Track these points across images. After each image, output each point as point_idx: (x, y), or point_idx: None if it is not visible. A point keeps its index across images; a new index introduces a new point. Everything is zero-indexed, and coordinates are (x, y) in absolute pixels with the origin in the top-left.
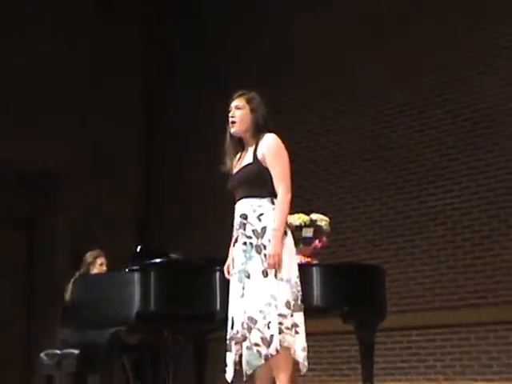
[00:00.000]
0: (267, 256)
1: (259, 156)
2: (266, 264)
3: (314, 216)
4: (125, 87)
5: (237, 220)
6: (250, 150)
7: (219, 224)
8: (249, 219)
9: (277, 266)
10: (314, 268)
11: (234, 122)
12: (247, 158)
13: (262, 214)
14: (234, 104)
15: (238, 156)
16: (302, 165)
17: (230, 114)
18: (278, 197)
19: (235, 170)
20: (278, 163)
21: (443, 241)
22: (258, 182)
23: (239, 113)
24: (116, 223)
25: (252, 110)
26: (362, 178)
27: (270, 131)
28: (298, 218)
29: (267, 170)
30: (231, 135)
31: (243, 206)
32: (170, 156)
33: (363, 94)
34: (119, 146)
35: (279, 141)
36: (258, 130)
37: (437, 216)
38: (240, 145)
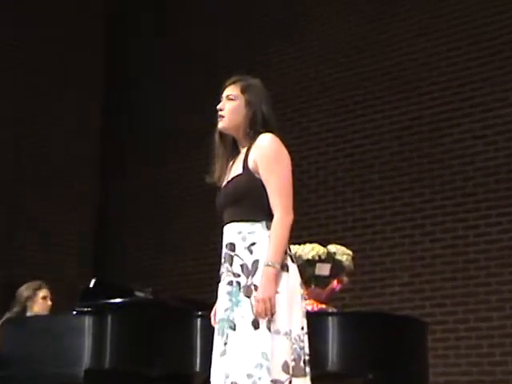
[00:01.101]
0: (254, 300)
1: (250, 164)
2: None
3: (333, 247)
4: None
5: (223, 251)
6: (241, 155)
7: (207, 248)
8: (237, 251)
9: (268, 313)
10: (330, 317)
11: (221, 117)
12: (237, 166)
13: (253, 244)
14: (225, 93)
15: (230, 163)
16: (316, 177)
17: (218, 106)
18: (274, 219)
19: (224, 183)
20: (274, 173)
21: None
22: (249, 200)
23: (230, 105)
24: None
25: (248, 102)
26: (398, 197)
27: (269, 131)
28: (310, 250)
29: (261, 182)
30: (220, 134)
31: (230, 234)
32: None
33: None
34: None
35: (277, 142)
36: (253, 130)
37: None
38: (234, 148)
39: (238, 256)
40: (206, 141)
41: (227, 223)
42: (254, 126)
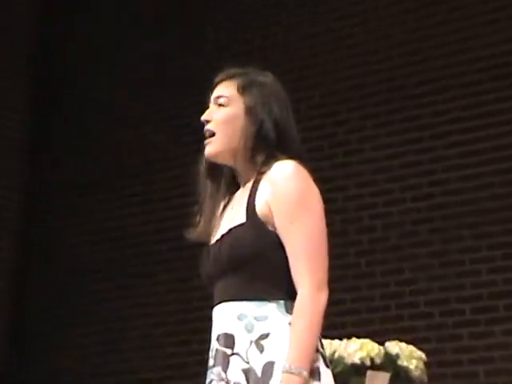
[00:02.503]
0: None
1: (259, 209)
2: None
3: (395, 346)
4: None
5: (213, 346)
6: (244, 192)
7: None
8: (237, 347)
9: None
10: None
11: (209, 135)
12: (236, 212)
13: (265, 337)
14: (213, 94)
15: (222, 205)
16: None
17: (203, 117)
18: (299, 298)
19: (215, 238)
20: (299, 225)
21: None
22: (257, 266)
23: (221, 114)
24: None
25: (249, 109)
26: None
27: (289, 157)
28: (358, 349)
29: (276, 238)
30: (209, 164)
31: (225, 319)
32: None
33: None
34: None
35: (303, 175)
36: (260, 153)
37: None
38: (231, 184)
39: (238, 356)
40: None
41: (220, 302)
42: (263, 147)
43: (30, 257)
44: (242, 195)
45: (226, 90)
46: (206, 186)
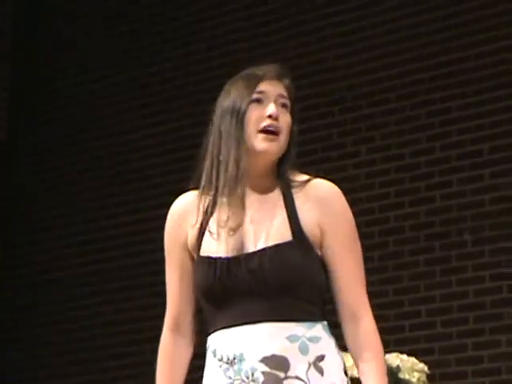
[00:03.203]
0: None
1: (309, 229)
2: None
3: (395, 359)
4: None
5: (252, 369)
6: (267, 204)
7: None
8: (293, 370)
9: None
10: None
11: (276, 133)
12: (266, 223)
13: (321, 359)
14: (275, 90)
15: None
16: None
17: (273, 112)
18: (369, 328)
19: (227, 248)
20: (354, 254)
21: None
22: (306, 289)
23: (286, 118)
24: None
25: (293, 122)
26: None
27: (305, 173)
28: (410, 371)
29: (320, 261)
30: (248, 153)
31: (272, 340)
32: None
33: None
34: None
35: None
36: (288, 166)
37: None
38: None
39: (298, 379)
40: None
41: (257, 322)
42: (292, 161)
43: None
44: (262, 206)
45: (287, 92)
46: (242, 182)
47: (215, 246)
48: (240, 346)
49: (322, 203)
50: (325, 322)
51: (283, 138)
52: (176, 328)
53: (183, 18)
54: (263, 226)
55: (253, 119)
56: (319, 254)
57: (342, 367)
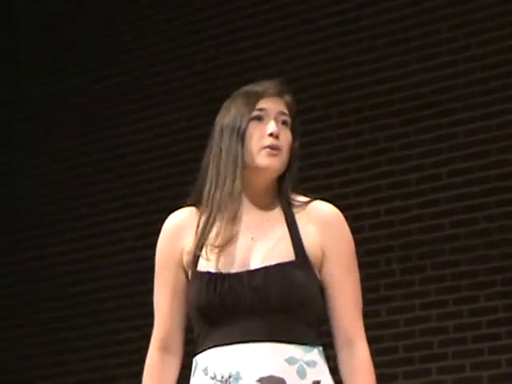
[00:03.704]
0: None
1: (311, 250)
2: None
3: None
4: None
5: None
6: (269, 223)
7: None
8: None
9: None
10: None
11: (277, 148)
12: (268, 242)
13: None
14: (275, 107)
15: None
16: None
17: (274, 130)
18: (362, 354)
19: (224, 265)
20: (354, 278)
21: None
22: (306, 311)
23: (287, 136)
24: None
25: (294, 140)
26: None
27: (304, 195)
28: None
29: (319, 284)
30: (246, 170)
31: (270, 361)
32: None
33: None
34: None
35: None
36: (289, 186)
37: None
38: None
39: None
40: None
41: (256, 341)
42: (293, 178)
43: None
44: (264, 225)
45: (287, 109)
46: (237, 194)
47: (214, 262)
48: (237, 364)
49: (325, 226)
50: (320, 348)
51: (284, 155)
52: (165, 348)
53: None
54: (265, 244)
55: (254, 137)
56: (318, 276)
57: None
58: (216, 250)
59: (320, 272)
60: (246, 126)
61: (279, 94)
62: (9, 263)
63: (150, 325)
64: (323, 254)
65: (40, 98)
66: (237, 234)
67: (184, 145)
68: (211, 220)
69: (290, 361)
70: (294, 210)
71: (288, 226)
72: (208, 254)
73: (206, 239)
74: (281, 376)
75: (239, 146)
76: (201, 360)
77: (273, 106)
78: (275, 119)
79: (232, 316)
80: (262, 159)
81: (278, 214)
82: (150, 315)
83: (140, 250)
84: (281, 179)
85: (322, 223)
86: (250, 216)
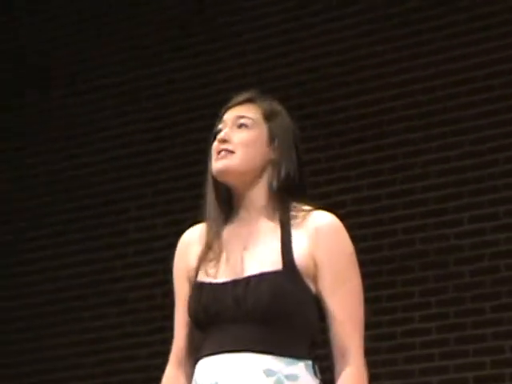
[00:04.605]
0: None
1: (300, 259)
2: None
3: None
4: None
5: None
6: (264, 232)
7: None
8: None
9: None
10: None
11: (226, 151)
12: (258, 251)
13: None
14: (232, 114)
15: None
16: None
17: (220, 136)
18: (353, 369)
19: (217, 275)
20: (351, 289)
21: None
22: (293, 322)
23: (243, 135)
24: None
25: (273, 138)
26: None
27: (310, 204)
28: None
29: (312, 296)
30: (215, 183)
31: (247, 372)
32: None
33: None
34: None
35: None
36: (283, 190)
37: None
38: (226, 207)
39: None
40: None
41: (235, 351)
42: (287, 185)
43: None
44: (259, 235)
45: (249, 112)
46: (215, 208)
47: (207, 274)
48: (216, 375)
49: (318, 235)
50: (309, 362)
51: (240, 153)
52: (178, 363)
53: None
54: (255, 254)
55: (213, 150)
56: (313, 288)
57: None
58: (212, 263)
59: (315, 283)
60: (212, 141)
61: (243, 102)
62: None
63: None
64: (315, 264)
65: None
66: (232, 245)
67: None
68: (210, 234)
69: (268, 373)
70: (292, 220)
71: (281, 236)
72: (205, 266)
73: (207, 253)
74: None
75: (209, 161)
76: (195, 370)
77: (230, 115)
78: (232, 126)
79: (217, 326)
80: (213, 166)
81: (274, 225)
82: None
83: None
84: (283, 190)
85: (315, 232)
86: (246, 228)
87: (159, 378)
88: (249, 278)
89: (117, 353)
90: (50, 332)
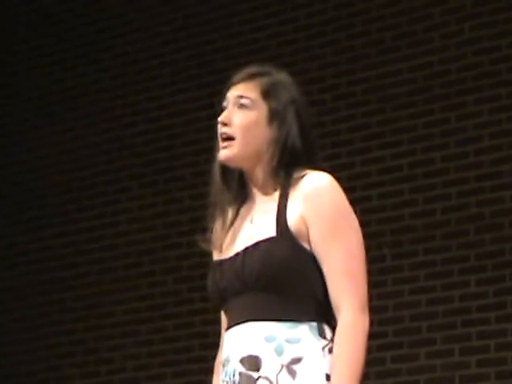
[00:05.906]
0: None
1: (292, 223)
2: None
3: None
4: None
5: (233, 370)
6: (267, 204)
7: None
8: (263, 370)
9: None
10: None
11: (226, 139)
12: (259, 223)
13: (297, 361)
14: (233, 93)
15: (229, 214)
16: None
17: (221, 118)
18: (342, 322)
19: (228, 253)
20: (341, 243)
21: None
22: (289, 285)
23: (243, 117)
24: None
25: (274, 116)
26: None
27: (315, 168)
28: None
29: (311, 256)
30: (223, 168)
31: (248, 340)
32: None
33: None
34: None
35: (339, 188)
36: (286, 164)
37: None
38: (241, 189)
39: (267, 380)
40: None
41: (240, 322)
42: (287, 156)
43: None
44: (263, 208)
45: (248, 91)
46: (221, 193)
47: (223, 252)
48: (228, 347)
49: (307, 195)
50: (314, 324)
51: (240, 139)
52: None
53: None
54: (256, 226)
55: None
56: (309, 249)
57: (324, 372)
58: (225, 242)
59: (309, 243)
60: (218, 121)
61: (242, 80)
62: None
63: None
64: (307, 225)
65: None
66: (241, 222)
67: None
68: (219, 214)
69: (269, 339)
70: (291, 187)
71: (278, 204)
72: (220, 245)
73: (222, 233)
74: (257, 354)
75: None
76: None
77: (232, 94)
78: (233, 105)
79: (228, 301)
80: (219, 154)
81: (275, 197)
82: None
83: None
84: (285, 159)
85: (304, 194)
86: (254, 203)
87: (216, 344)
88: (246, 249)
89: (173, 320)
90: (106, 299)
